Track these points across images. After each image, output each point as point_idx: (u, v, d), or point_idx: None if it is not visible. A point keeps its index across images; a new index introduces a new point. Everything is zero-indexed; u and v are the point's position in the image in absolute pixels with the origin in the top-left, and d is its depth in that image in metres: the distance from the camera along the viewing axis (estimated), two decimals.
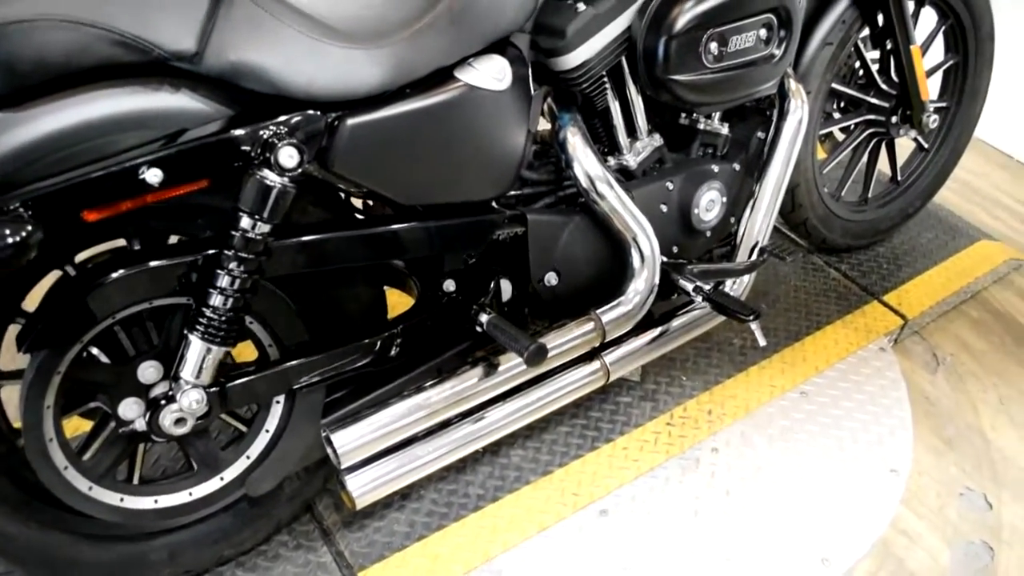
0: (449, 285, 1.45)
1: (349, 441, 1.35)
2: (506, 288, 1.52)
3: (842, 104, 2.14)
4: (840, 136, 2.17)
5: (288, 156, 1.13)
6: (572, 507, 1.65)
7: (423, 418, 1.42)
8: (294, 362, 1.33)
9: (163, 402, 1.26)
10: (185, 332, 1.22)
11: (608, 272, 1.57)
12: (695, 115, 1.68)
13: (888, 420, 1.89)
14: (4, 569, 1.31)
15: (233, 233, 1.16)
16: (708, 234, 1.71)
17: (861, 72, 2.10)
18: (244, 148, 1.13)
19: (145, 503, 1.35)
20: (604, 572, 1.55)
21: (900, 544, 1.67)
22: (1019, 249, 2.50)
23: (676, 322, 1.71)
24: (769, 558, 1.60)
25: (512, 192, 1.47)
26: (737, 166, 1.71)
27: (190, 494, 1.38)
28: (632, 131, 1.59)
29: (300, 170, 1.14)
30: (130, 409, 1.27)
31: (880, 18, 1.96)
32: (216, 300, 1.18)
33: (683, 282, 1.59)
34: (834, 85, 2.01)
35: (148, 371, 1.27)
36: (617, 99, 1.54)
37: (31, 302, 1.21)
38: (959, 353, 2.13)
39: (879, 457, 1.81)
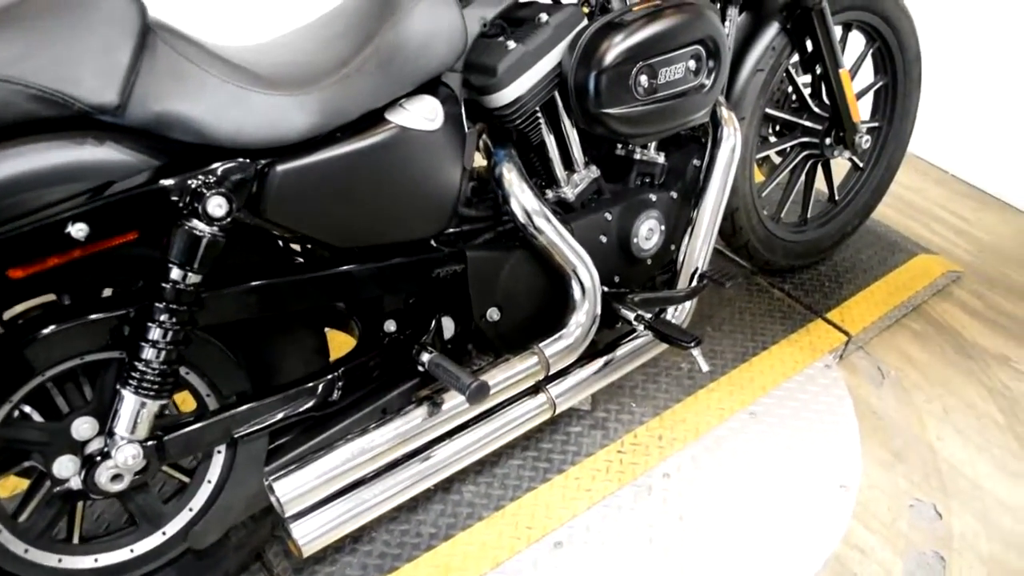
0: (390, 325, 1.45)
1: (292, 489, 1.33)
2: (449, 325, 1.52)
3: (777, 128, 2.19)
4: (777, 159, 2.22)
5: (216, 206, 1.12)
6: (526, 541, 1.64)
7: (369, 460, 1.41)
8: (233, 411, 1.31)
9: (99, 459, 1.23)
10: (118, 387, 1.20)
11: (550, 305, 1.58)
12: (631, 146, 1.70)
13: (836, 436, 1.92)
14: None
15: (163, 285, 1.14)
16: (649, 262, 1.73)
17: (794, 96, 2.15)
18: (172, 199, 1.12)
19: (85, 562, 1.32)
20: None
21: (853, 559, 1.68)
22: (957, 261, 2.56)
23: (621, 351, 1.71)
24: None
25: (450, 229, 1.47)
26: (675, 194, 1.73)
27: (131, 551, 1.35)
28: (569, 164, 1.61)
29: (229, 219, 1.13)
30: (65, 467, 1.24)
31: (809, 44, 2.01)
32: (148, 353, 1.17)
33: (625, 311, 1.60)
34: (768, 110, 2.05)
35: (83, 427, 1.24)
36: (552, 133, 1.55)
37: None
38: (903, 366, 2.17)
39: (829, 474, 1.83)
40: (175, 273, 1.14)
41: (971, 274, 2.52)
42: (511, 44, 1.41)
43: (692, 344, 1.55)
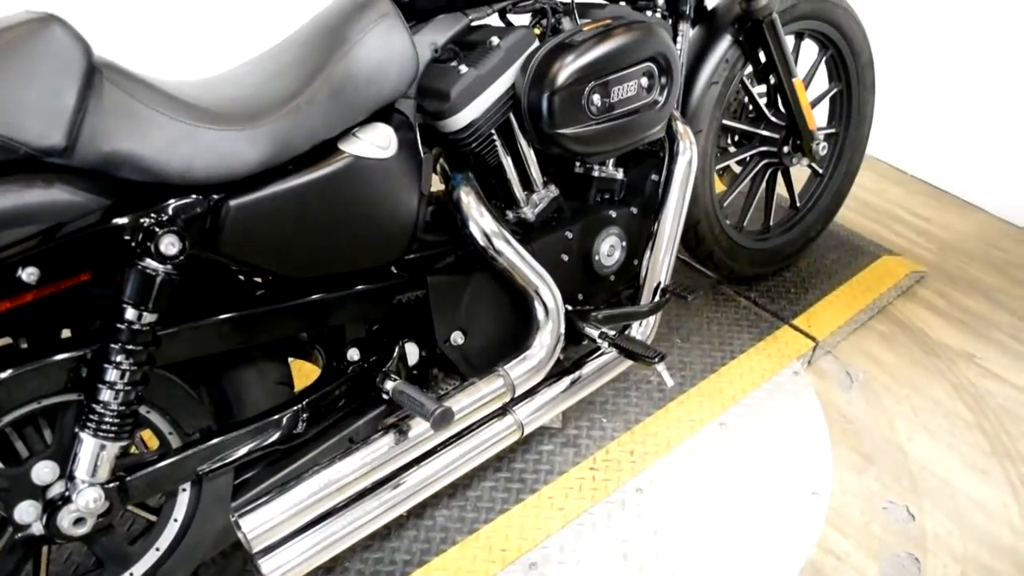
0: (353, 354, 1.44)
1: (260, 524, 1.31)
2: (413, 351, 1.51)
3: (736, 138, 2.21)
4: (737, 169, 2.24)
5: (169, 244, 1.12)
6: (501, 563, 1.63)
7: (337, 491, 1.40)
8: (197, 448, 1.30)
9: (60, 503, 1.21)
10: (77, 430, 1.18)
11: (515, 326, 1.58)
12: (589, 163, 1.71)
13: (807, 443, 1.93)
14: None
15: (119, 326, 1.13)
16: (612, 278, 1.74)
17: (751, 107, 2.17)
18: (124, 238, 1.12)
19: None
20: None
21: (829, 564, 1.69)
22: (919, 261, 2.59)
23: (588, 368, 1.72)
24: None
25: (410, 255, 1.47)
26: (635, 209, 1.74)
27: None
28: (527, 184, 1.61)
29: (183, 257, 1.13)
30: (26, 513, 1.23)
31: (762, 55, 2.04)
32: (106, 395, 1.16)
33: (589, 329, 1.61)
34: (725, 121, 2.07)
35: (43, 472, 1.23)
36: (509, 154, 1.56)
37: None
38: (871, 368, 2.19)
39: (801, 481, 1.84)
40: (130, 313, 1.13)
41: (934, 273, 2.56)
42: (463, 68, 1.41)
43: (656, 360, 1.55)
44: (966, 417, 2.06)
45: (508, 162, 1.56)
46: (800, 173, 2.35)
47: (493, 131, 1.50)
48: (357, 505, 1.46)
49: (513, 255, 1.49)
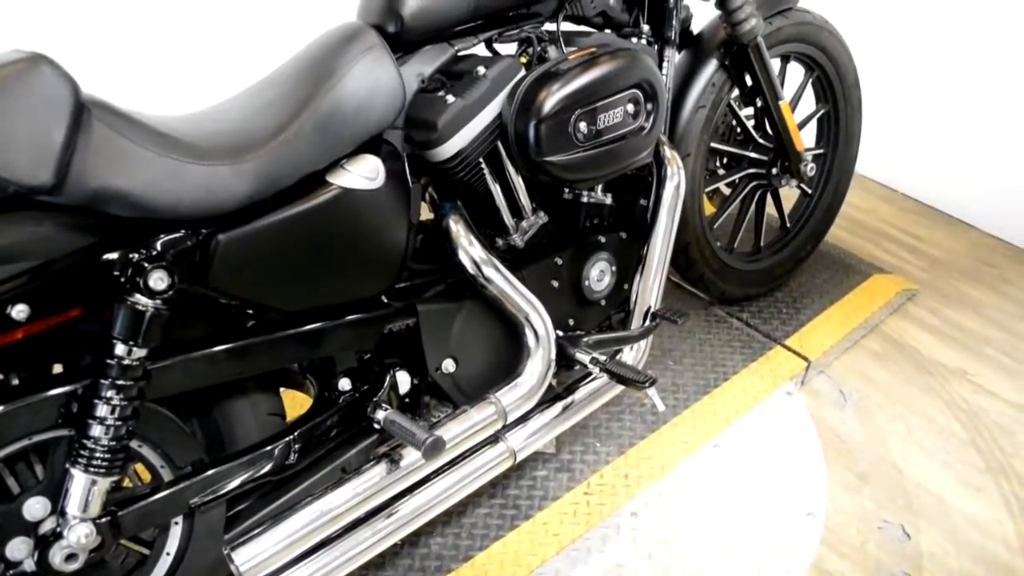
0: (344, 384, 1.44)
1: (253, 556, 1.31)
2: (405, 379, 1.51)
3: (725, 160, 2.23)
4: (727, 191, 2.25)
5: (158, 279, 1.12)
6: None
7: (330, 521, 1.40)
8: (189, 481, 1.29)
9: (52, 539, 1.21)
10: (68, 466, 1.18)
11: (506, 352, 1.58)
12: (577, 189, 1.72)
13: (801, 463, 1.93)
14: None
15: (108, 361, 1.14)
16: (602, 303, 1.75)
17: (739, 129, 2.19)
18: (114, 273, 1.12)
19: None
20: None
21: None
22: (911, 278, 2.60)
23: (580, 393, 1.72)
24: None
25: (401, 284, 1.48)
26: (624, 234, 1.75)
27: None
28: (516, 211, 1.62)
29: (172, 292, 1.13)
30: (18, 549, 1.22)
31: (748, 79, 2.06)
32: (97, 431, 1.16)
33: (579, 355, 1.61)
34: (714, 144, 2.09)
35: (35, 507, 1.22)
36: (498, 182, 1.57)
37: None
38: (864, 387, 2.19)
39: (796, 502, 1.84)
40: (120, 349, 1.14)
41: (925, 290, 2.56)
42: (450, 98, 1.42)
43: (647, 384, 1.56)
44: (960, 434, 2.06)
45: (497, 190, 1.57)
46: (789, 194, 2.37)
47: (481, 160, 1.51)
48: (350, 535, 1.46)
49: (503, 282, 1.50)
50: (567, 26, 1.67)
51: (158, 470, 1.33)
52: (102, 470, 1.18)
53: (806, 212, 2.43)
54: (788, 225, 2.41)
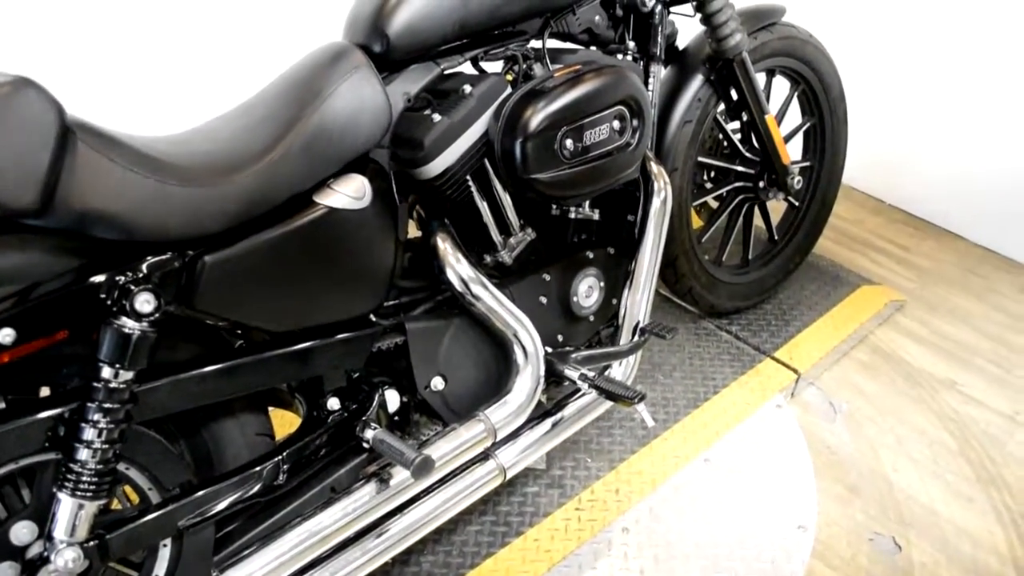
0: (333, 403, 1.44)
1: None
2: (394, 398, 1.51)
3: (712, 174, 2.24)
4: (714, 204, 2.26)
5: (144, 301, 1.12)
6: None
7: (320, 542, 1.39)
8: (177, 503, 1.29)
9: (39, 564, 1.20)
10: (54, 490, 1.18)
11: (494, 369, 1.58)
12: (565, 206, 1.72)
13: (791, 476, 1.93)
14: None
15: (95, 384, 1.13)
16: (591, 319, 1.75)
17: (725, 143, 2.20)
18: (100, 296, 1.12)
19: None
20: None
21: None
22: (899, 289, 2.62)
23: (569, 409, 1.72)
24: None
25: (389, 302, 1.48)
26: (612, 249, 1.75)
27: None
28: (504, 228, 1.62)
29: (158, 314, 1.13)
30: (5, 574, 1.21)
31: (734, 93, 2.07)
32: (83, 454, 1.15)
33: (568, 371, 1.62)
34: (701, 158, 2.10)
35: (22, 532, 1.21)
36: (485, 199, 1.57)
37: None
38: (854, 399, 2.20)
39: (787, 515, 1.84)
40: (106, 372, 1.13)
41: (914, 301, 2.58)
42: (436, 117, 1.43)
43: (636, 400, 1.56)
44: (950, 445, 2.07)
45: (484, 207, 1.57)
46: (777, 206, 2.38)
47: (468, 177, 1.51)
48: (340, 555, 1.45)
49: (491, 299, 1.50)
50: (553, 43, 1.68)
51: (146, 492, 1.32)
52: (89, 494, 1.17)
53: (794, 224, 2.44)
54: (776, 238, 2.42)
